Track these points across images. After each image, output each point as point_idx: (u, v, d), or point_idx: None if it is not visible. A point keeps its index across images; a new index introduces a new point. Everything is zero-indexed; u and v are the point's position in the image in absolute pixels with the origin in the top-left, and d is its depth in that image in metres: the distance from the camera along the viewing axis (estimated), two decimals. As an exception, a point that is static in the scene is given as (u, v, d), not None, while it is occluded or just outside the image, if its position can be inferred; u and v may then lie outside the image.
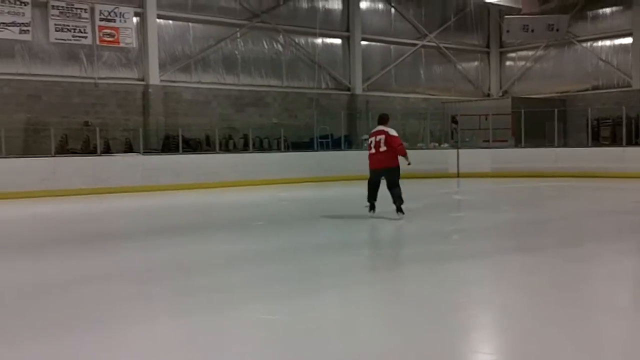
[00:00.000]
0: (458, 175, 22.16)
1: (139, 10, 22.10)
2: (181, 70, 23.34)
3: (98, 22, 21.09)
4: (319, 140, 24.15)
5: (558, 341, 4.40)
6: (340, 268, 7.02)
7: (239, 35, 24.64)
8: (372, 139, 10.90)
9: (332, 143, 24.15)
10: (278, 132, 23.07)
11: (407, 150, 10.72)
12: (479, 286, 6.22)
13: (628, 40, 27.70)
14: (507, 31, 29.21)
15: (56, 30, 20.45)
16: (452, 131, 25.62)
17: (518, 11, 29.07)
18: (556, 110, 22.66)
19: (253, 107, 24.89)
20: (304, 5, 26.46)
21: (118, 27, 21.50)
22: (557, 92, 29.64)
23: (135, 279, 6.69)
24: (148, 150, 20.48)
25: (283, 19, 25.63)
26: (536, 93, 29.75)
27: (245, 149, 22.47)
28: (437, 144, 25.15)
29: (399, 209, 10.65)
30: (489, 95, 32.39)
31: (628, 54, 27.73)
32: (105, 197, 16.95)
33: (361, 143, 25.29)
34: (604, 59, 28.61)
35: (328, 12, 27.23)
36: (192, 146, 21.92)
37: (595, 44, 28.97)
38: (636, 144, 22.71)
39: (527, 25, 28.40)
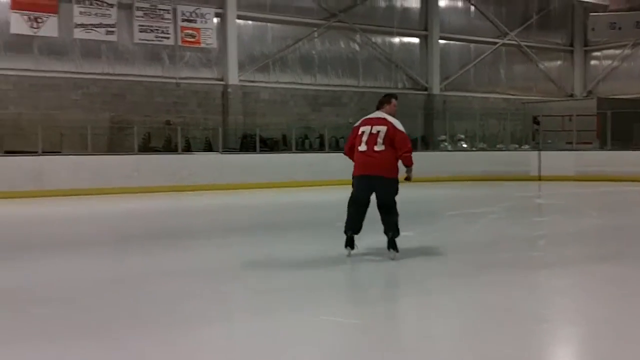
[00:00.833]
0: (539, 178, 21.42)
1: (219, 10, 22.50)
2: (259, 70, 23.62)
3: (180, 23, 21.60)
4: (396, 140, 23.85)
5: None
6: (422, 273, 6.86)
7: (316, 35, 24.73)
8: (366, 128, 7.23)
9: (408, 144, 23.81)
10: (354, 132, 22.97)
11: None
12: (569, 297, 5.96)
13: None
14: (593, 29, 28.23)
15: (140, 31, 21.05)
16: (533, 132, 24.85)
17: (604, 8, 27.99)
18: (645, 111, 21.74)
19: (329, 106, 24.95)
20: (382, 4, 26.32)
21: (199, 28, 21.95)
22: (645, 93, 28.39)
23: (212, 277, 6.72)
24: (227, 149, 20.85)
25: (360, 18, 25.55)
26: (622, 93, 28.46)
27: (321, 148, 22.53)
28: (517, 146, 24.48)
29: (393, 244, 7.14)
30: (572, 95, 31.30)
31: None
32: (184, 194, 17.34)
33: (438, 144, 24.95)
34: (697, 57, 27.25)
35: (406, 10, 26.97)
36: (269, 145, 22.17)
37: (688, 42, 27.63)
38: None
39: (615, 23, 27.33)
